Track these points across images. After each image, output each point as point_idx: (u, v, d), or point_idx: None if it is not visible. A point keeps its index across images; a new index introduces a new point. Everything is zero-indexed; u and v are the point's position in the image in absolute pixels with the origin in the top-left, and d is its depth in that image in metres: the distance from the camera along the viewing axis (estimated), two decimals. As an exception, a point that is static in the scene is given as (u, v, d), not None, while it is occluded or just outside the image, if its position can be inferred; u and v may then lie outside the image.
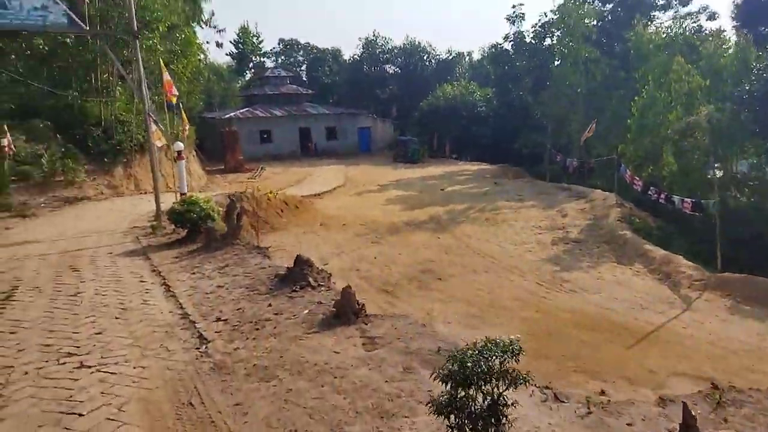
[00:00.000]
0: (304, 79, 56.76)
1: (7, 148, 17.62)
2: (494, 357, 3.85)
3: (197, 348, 5.72)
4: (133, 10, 13.68)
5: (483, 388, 3.87)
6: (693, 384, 8.55)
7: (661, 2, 38.55)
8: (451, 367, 3.89)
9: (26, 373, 5.31)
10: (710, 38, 30.12)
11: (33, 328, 6.58)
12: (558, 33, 38.40)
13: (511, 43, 43.70)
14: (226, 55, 57.67)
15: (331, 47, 58.39)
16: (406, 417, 4.41)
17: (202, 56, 34.38)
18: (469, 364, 3.81)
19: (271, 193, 16.32)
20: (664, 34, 31.22)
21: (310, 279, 7.75)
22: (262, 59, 58.83)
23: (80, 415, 4.48)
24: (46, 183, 17.99)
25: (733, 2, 33.80)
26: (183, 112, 20.41)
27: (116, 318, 6.89)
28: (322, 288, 7.71)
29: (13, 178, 17.49)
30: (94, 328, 6.49)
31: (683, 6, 38.34)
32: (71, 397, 4.79)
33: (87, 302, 7.60)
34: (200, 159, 31.22)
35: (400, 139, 43.04)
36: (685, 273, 15.16)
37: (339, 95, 54.79)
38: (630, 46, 32.59)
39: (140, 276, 9.04)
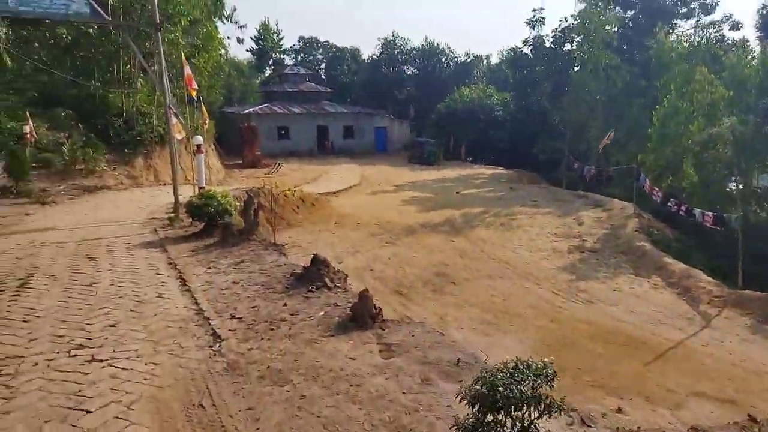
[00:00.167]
0: (323, 77, 56.86)
1: (29, 135, 17.82)
2: (527, 381, 3.57)
3: (211, 346, 5.64)
4: (156, 2, 13.69)
5: (513, 414, 3.60)
6: (714, 406, 8.34)
7: (684, 10, 37.93)
8: (479, 388, 3.62)
9: (36, 364, 5.26)
10: (733, 48, 29.60)
11: (46, 317, 6.56)
12: (578, 39, 37.96)
13: (531, 47, 43.27)
14: (247, 51, 57.98)
15: (350, 46, 58.51)
16: (424, 434, 4.25)
17: (222, 51, 34.54)
18: (500, 388, 3.52)
19: (289, 190, 16.28)
20: (687, 43, 30.69)
21: (327, 279, 7.65)
22: (281, 56, 59.04)
23: (88, 411, 4.38)
24: (66, 171, 18.14)
25: (758, 12, 33.19)
26: (203, 106, 20.48)
27: (131, 311, 6.86)
28: (339, 289, 7.60)
29: (34, 165, 17.67)
30: (107, 320, 6.45)
31: (706, 15, 37.70)
32: (80, 391, 4.71)
33: (102, 293, 7.58)
34: (219, 153, 31.35)
35: (417, 141, 42.91)
36: (704, 288, 14.84)
37: (357, 94, 54.78)
38: (651, 54, 32.12)
39: (156, 268, 9.02)
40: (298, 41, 59.68)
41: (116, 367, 5.15)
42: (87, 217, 13.74)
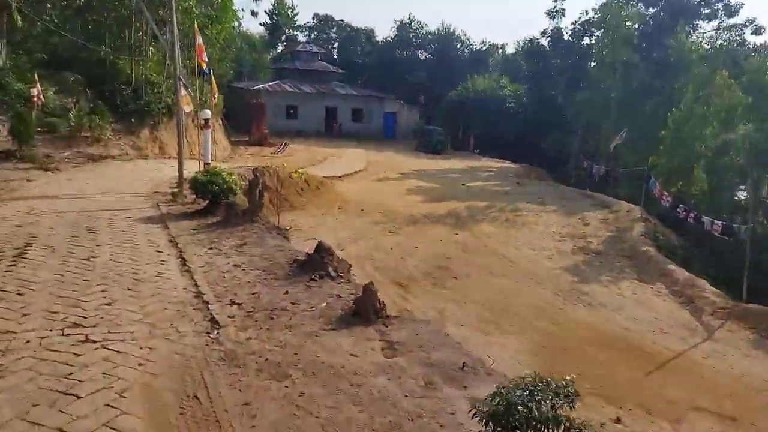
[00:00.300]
0: (335, 57, 56.18)
1: (36, 98, 17.56)
2: (546, 400, 3.35)
3: (208, 333, 5.48)
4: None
5: (530, 436, 3.35)
6: (714, 422, 8.22)
7: (707, 11, 37.25)
8: (495, 405, 3.39)
9: (28, 341, 5.07)
10: (754, 54, 29.06)
11: (41, 291, 6.40)
12: (597, 33, 37.38)
13: (548, 39, 42.70)
14: (260, 25, 57.28)
15: (365, 27, 57.66)
16: (429, 444, 4.09)
17: (236, 24, 34.08)
18: (519, 407, 3.29)
19: (296, 173, 16.08)
20: (708, 45, 30.15)
21: (330, 269, 7.48)
22: (295, 33, 58.30)
23: (78, 397, 4.20)
24: (72, 137, 17.91)
25: (783, 18, 32.55)
26: (213, 79, 20.17)
27: (128, 289, 6.69)
28: (342, 280, 7.43)
29: (39, 129, 17.43)
30: (104, 298, 6.29)
31: (729, 17, 37.04)
32: (71, 374, 4.53)
33: (100, 268, 7.42)
34: (226, 129, 31.07)
35: (426, 129, 42.52)
36: (708, 299, 14.66)
37: (368, 76, 54.15)
38: (670, 54, 31.59)
39: (157, 245, 8.85)
40: (313, 18, 58.96)
41: (110, 349, 4.98)
42: (89, 186, 13.57)
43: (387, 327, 5.80)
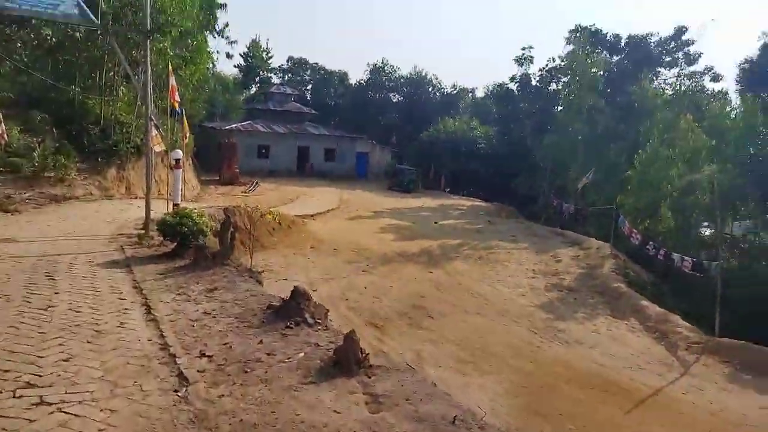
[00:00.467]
0: (309, 98, 56.75)
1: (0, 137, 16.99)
2: None
3: (176, 390, 5.10)
4: (149, 8, 13.28)
5: None
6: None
7: (668, 59, 39.24)
8: None
9: (-27, 407, 4.61)
10: (712, 100, 30.51)
11: (-6, 345, 5.94)
12: (564, 79, 38.81)
13: (517, 84, 44.12)
14: (234, 66, 57.57)
15: (339, 69, 58.62)
16: None
17: (210, 65, 34.12)
18: None
19: (269, 213, 15.85)
20: (671, 91, 31.57)
21: (307, 315, 7.17)
22: (269, 74, 58.82)
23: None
24: (35, 178, 17.31)
25: (739, 66, 34.41)
26: (185, 119, 19.97)
27: (88, 342, 6.25)
28: (320, 326, 7.12)
29: (1, 169, 16.83)
30: (62, 353, 5.85)
31: (689, 65, 39.02)
32: (22, 445, 4.11)
33: (58, 319, 6.96)
34: (196, 168, 30.67)
35: (398, 168, 42.94)
36: (681, 334, 14.82)
37: (341, 118, 54.75)
38: (634, 99, 32.92)
39: (120, 292, 8.41)
40: (287, 61, 59.62)
41: (67, 413, 4.55)
42: (51, 228, 13.01)
43: (370, 378, 5.53)
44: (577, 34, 39.29)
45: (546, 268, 20.84)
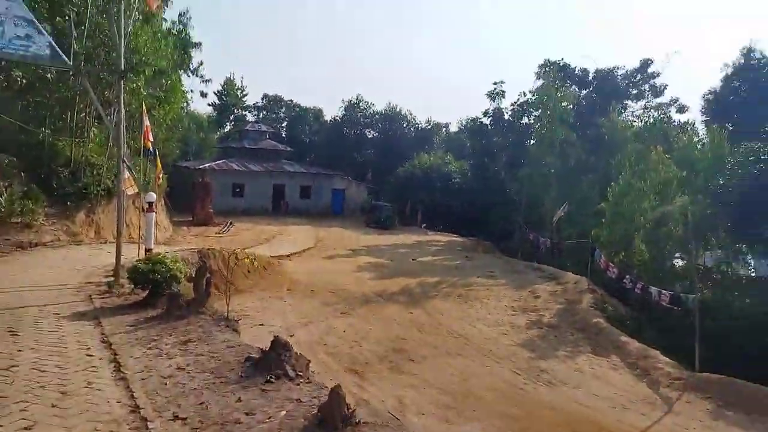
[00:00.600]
0: (284, 135, 56.93)
1: (-39, 184, 16.42)
2: None
3: (148, 460, 4.78)
4: (122, 48, 13.13)
5: None
6: None
7: (635, 92, 40.60)
8: None
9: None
10: (680, 131, 31.51)
11: (-51, 414, 5.50)
12: (536, 113, 39.78)
13: (490, 118, 45.03)
14: (208, 105, 57.62)
15: (314, 106, 59.20)
16: None
17: (184, 104, 34.00)
18: None
19: (248, 258, 15.54)
20: (640, 123, 32.52)
21: (288, 367, 6.87)
22: (243, 112, 59.02)
23: None
24: (0, 224, 16.69)
25: (703, 97, 35.74)
26: (158, 160, 19.67)
27: (53, 406, 5.85)
28: (301, 379, 6.81)
29: (-37, 216, 16.20)
30: (24, 419, 5.44)
31: (655, 97, 40.42)
32: None
33: (21, 380, 6.53)
34: (168, 209, 30.10)
35: (374, 204, 42.99)
36: (663, 370, 14.78)
37: (317, 154, 54.95)
38: (604, 132, 33.79)
39: (87, 347, 7.98)
40: (262, 98, 60.03)
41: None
42: (15, 278, 12.45)
43: (358, 437, 5.28)
44: (546, 69, 40.52)
45: (525, 304, 20.79)
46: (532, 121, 41.60)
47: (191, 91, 48.46)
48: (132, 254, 14.70)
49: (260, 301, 18.30)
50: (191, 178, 37.77)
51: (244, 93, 58.88)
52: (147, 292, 11.17)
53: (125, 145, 14.47)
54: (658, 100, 41.13)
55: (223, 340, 8.71)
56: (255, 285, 19.91)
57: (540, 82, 39.00)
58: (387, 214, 40.48)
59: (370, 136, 56.96)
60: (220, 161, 43.82)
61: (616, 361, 15.57)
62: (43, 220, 18.20)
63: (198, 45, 34.83)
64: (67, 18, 19.91)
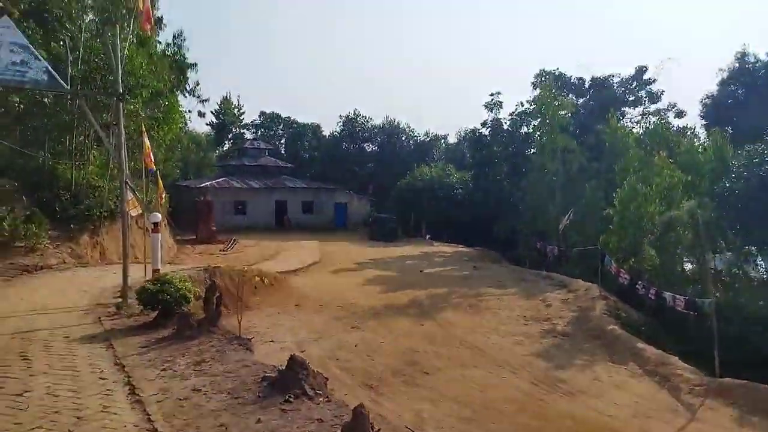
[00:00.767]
0: (283, 152, 57.00)
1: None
2: None
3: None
4: (120, 71, 13.06)
5: None
6: None
7: (632, 98, 40.70)
8: None
9: None
10: (681, 136, 31.48)
11: (-38, 442, 5.30)
12: (534, 122, 39.80)
13: (489, 129, 45.05)
14: (207, 125, 57.79)
15: (312, 122, 59.30)
16: None
17: (183, 124, 34.01)
18: None
19: (258, 276, 15.34)
20: (640, 129, 32.52)
21: (306, 386, 6.65)
22: (241, 130, 59.15)
23: None
24: (5, 248, 16.54)
25: (701, 102, 35.85)
26: (160, 180, 19.56)
27: (69, 432, 5.67)
28: (321, 398, 6.59)
29: (-33, 241, 16.06)
30: (40, 447, 5.25)
31: (652, 103, 40.52)
32: None
33: (35, 406, 6.31)
34: (171, 228, 29.96)
35: (377, 217, 42.83)
36: (683, 376, 14.45)
37: (317, 170, 54.96)
38: (604, 138, 33.76)
39: (100, 371, 7.76)
40: (260, 116, 60.13)
41: None
42: (23, 302, 12.24)
43: (383, 456, 5.05)
44: (543, 79, 40.64)
45: (537, 313, 20.51)
46: (531, 130, 41.63)
47: (189, 111, 48.70)
48: (138, 275, 14.50)
49: (269, 318, 18.02)
50: (192, 197, 37.68)
51: (241, 111, 59.14)
52: (156, 312, 10.96)
53: (127, 167, 14.36)
54: (655, 105, 41.34)
55: (238, 359, 8.49)
56: (263, 301, 19.63)
57: (537, 92, 39.09)
58: (391, 226, 40.30)
59: (369, 150, 57.06)
60: (221, 179, 43.77)
61: (634, 368, 15.26)
62: (47, 243, 18.06)
63: (194, 66, 35.01)
64: (62, 43, 20.03)
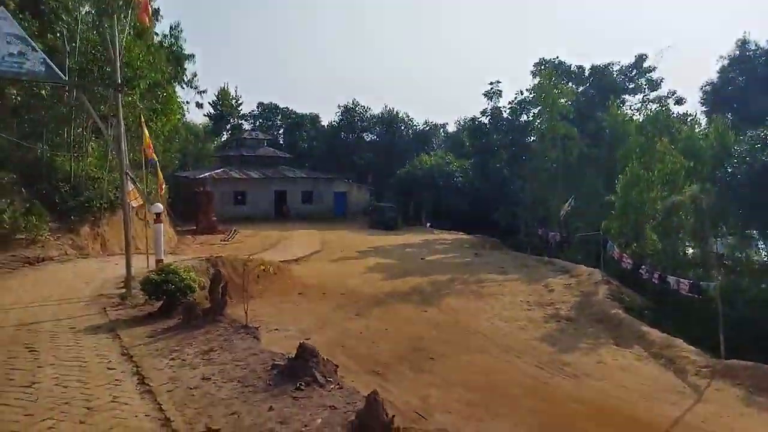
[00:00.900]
0: (281, 142, 56.72)
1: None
2: None
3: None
4: (118, 62, 12.90)
5: None
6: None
7: (632, 86, 40.49)
8: None
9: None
10: (681, 122, 31.38)
11: (-28, 435, 5.24)
12: (534, 110, 39.61)
13: (488, 117, 44.85)
14: (204, 116, 57.41)
15: (310, 112, 58.90)
16: None
17: (181, 115, 33.82)
18: None
19: (263, 265, 15.26)
20: (640, 116, 32.41)
21: (317, 374, 6.60)
22: (239, 121, 58.78)
23: None
24: (6, 241, 16.45)
25: (701, 89, 35.71)
26: (159, 171, 19.43)
27: (80, 422, 5.59)
28: (332, 385, 6.55)
29: (-33, 235, 15.95)
30: (52, 438, 5.20)
31: (652, 90, 40.32)
32: None
33: (44, 397, 6.26)
34: (171, 218, 29.86)
35: (378, 206, 42.74)
36: (689, 358, 14.48)
37: (316, 160, 54.74)
38: (604, 126, 33.65)
39: (108, 361, 7.71)
40: (257, 107, 59.73)
41: None
42: (26, 294, 12.18)
43: (401, 445, 5.00)
44: (542, 67, 40.40)
45: (540, 298, 20.51)
46: (531, 119, 41.45)
47: (187, 102, 48.45)
48: (140, 265, 14.43)
49: (272, 306, 17.98)
50: (191, 187, 37.53)
51: (238, 102, 58.72)
52: (161, 302, 10.91)
53: (127, 158, 14.24)
54: (655, 93, 41.18)
55: (245, 347, 8.44)
56: (265, 290, 19.56)
57: (536, 80, 38.87)
58: (391, 215, 40.22)
59: (368, 140, 56.79)
60: (220, 170, 43.57)
61: (639, 351, 15.29)
62: (48, 235, 17.96)
63: (191, 57, 34.77)
64: (59, 35, 19.79)
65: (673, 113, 36.94)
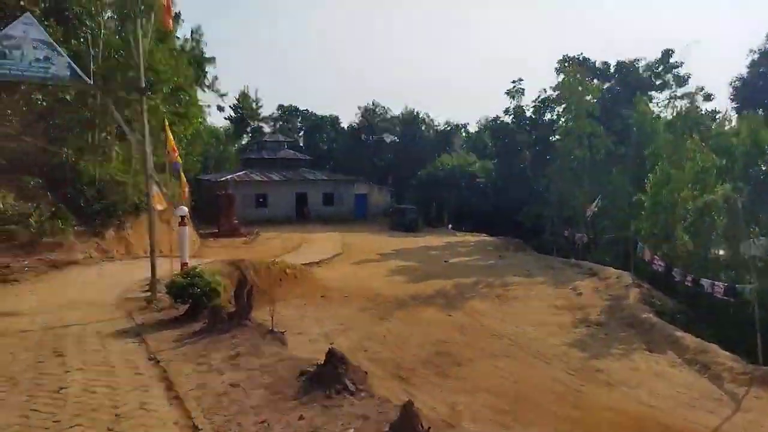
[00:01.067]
0: (302, 144, 56.89)
1: (-8, 207, 16.39)
2: None
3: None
4: (142, 66, 12.92)
5: None
6: None
7: (659, 82, 39.54)
8: None
9: None
10: (711, 119, 30.51)
11: (1, 441, 5.17)
12: (559, 109, 38.94)
13: (511, 116, 44.29)
14: (225, 119, 57.93)
15: (330, 114, 58.95)
16: None
17: (202, 119, 34.11)
18: None
19: (287, 270, 15.17)
20: (668, 113, 31.63)
21: (347, 381, 6.41)
22: (260, 124, 59.15)
23: None
24: (32, 244, 16.62)
25: (731, 84, 34.72)
26: (182, 174, 19.49)
27: (109, 429, 5.49)
28: (363, 393, 6.35)
29: (-4, 238, 16.15)
30: (81, 445, 5.09)
31: (679, 87, 39.32)
32: None
33: (72, 403, 6.17)
34: (193, 221, 30.04)
35: (399, 207, 42.53)
36: (725, 365, 13.97)
37: (336, 162, 54.74)
38: (631, 123, 32.91)
39: (135, 366, 7.62)
40: (278, 109, 60.04)
41: None
42: (53, 297, 12.24)
43: (437, 456, 4.77)
44: (566, 64, 39.73)
45: (568, 302, 20.07)
46: (555, 117, 40.77)
47: (208, 105, 48.84)
48: (165, 268, 14.42)
49: (295, 309, 17.86)
50: (213, 190, 37.79)
51: (259, 105, 59.12)
52: (187, 306, 10.83)
53: (151, 163, 14.26)
54: (683, 89, 40.08)
55: (273, 353, 8.28)
56: (288, 293, 19.45)
57: (561, 78, 38.20)
58: (412, 216, 39.96)
59: (388, 141, 56.59)
60: (241, 173, 43.83)
61: (673, 357, 14.80)
62: (73, 238, 18.12)
63: (212, 60, 35.03)
64: (83, 40, 20.02)
65: (701, 110, 36.04)
